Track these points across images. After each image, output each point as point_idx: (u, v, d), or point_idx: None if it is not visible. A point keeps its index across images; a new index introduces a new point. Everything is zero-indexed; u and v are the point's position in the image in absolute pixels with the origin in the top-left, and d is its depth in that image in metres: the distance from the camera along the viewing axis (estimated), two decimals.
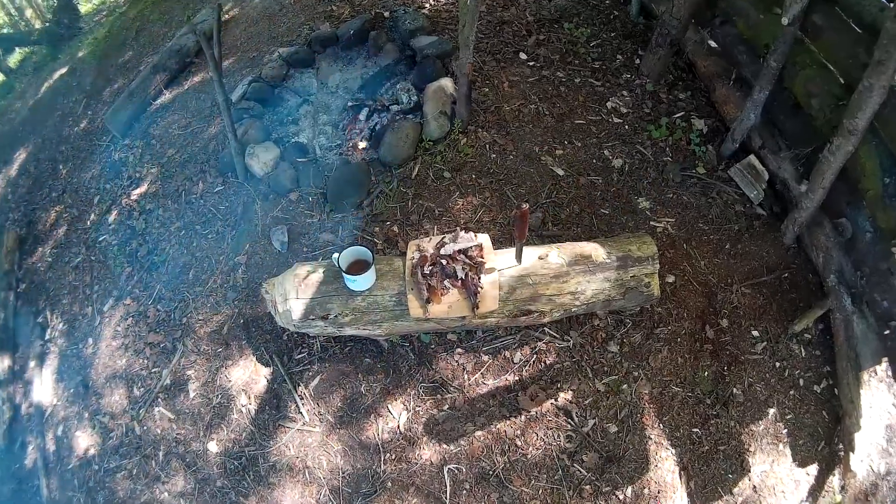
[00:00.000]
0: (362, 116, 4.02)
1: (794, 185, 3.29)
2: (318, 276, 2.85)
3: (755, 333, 3.19)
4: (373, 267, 2.71)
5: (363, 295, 2.78)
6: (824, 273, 3.16)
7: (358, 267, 2.77)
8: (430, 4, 4.76)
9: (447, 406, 3.03)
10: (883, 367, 2.88)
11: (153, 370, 3.50)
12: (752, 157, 3.60)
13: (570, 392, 3.01)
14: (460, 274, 2.65)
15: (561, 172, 3.68)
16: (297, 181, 3.78)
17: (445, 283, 2.67)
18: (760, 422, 2.97)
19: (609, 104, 4.06)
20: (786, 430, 2.95)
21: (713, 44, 4.11)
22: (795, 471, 2.89)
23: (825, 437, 2.94)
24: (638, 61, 4.37)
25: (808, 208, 3.15)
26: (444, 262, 2.67)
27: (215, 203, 3.95)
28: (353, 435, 3.05)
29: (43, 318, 4.12)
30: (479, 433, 2.94)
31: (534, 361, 3.08)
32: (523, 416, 2.96)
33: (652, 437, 2.93)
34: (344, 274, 2.67)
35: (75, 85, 6.12)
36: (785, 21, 3.01)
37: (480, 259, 2.70)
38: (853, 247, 3.09)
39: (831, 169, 2.90)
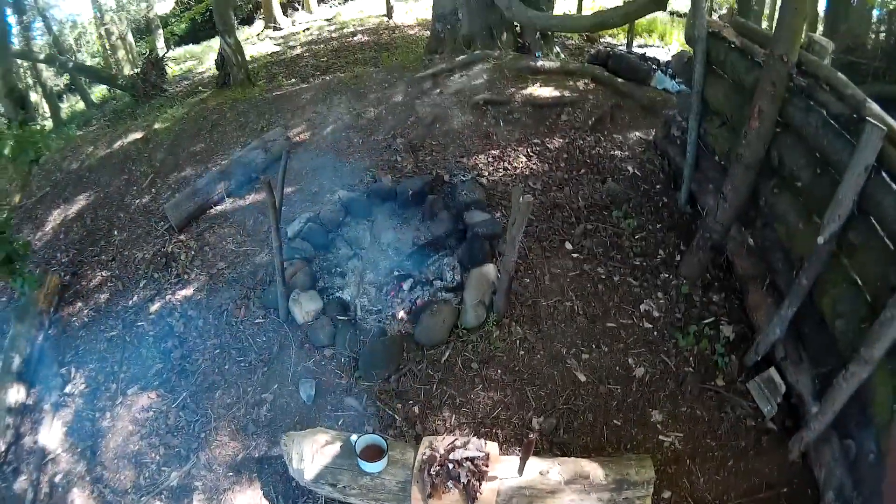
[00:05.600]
0: (406, 286, 4.74)
1: (809, 401, 3.59)
2: (334, 448, 3.49)
3: None
4: (386, 456, 3.35)
5: (372, 476, 3.39)
6: (824, 489, 3.43)
7: (372, 450, 3.40)
8: (488, 174, 5.53)
9: None
10: None
11: (163, 468, 4.09)
12: (772, 371, 3.98)
13: None
14: (463, 479, 3.24)
15: (583, 378, 4.24)
16: (334, 339, 4.48)
17: (448, 483, 3.26)
18: None
19: (643, 307, 4.62)
20: None
21: (752, 242, 4.53)
22: None
23: None
24: (679, 257, 4.97)
25: (817, 429, 3.45)
26: (451, 465, 3.27)
27: (253, 334, 4.67)
28: None
29: (66, 371, 4.82)
30: None
31: None
32: None
33: None
34: (359, 459, 3.29)
35: (146, 156, 7.12)
36: (821, 240, 3.31)
37: (484, 468, 3.30)
38: (855, 466, 3.29)
39: (843, 395, 3.19)
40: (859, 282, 3.39)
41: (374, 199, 5.36)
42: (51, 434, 4.43)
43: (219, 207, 5.82)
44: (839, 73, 3.63)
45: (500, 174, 5.61)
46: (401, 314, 4.59)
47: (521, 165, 5.71)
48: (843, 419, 3.42)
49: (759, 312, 4.28)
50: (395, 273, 4.85)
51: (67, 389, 4.69)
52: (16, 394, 4.59)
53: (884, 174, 3.13)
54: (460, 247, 4.89)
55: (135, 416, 4.39)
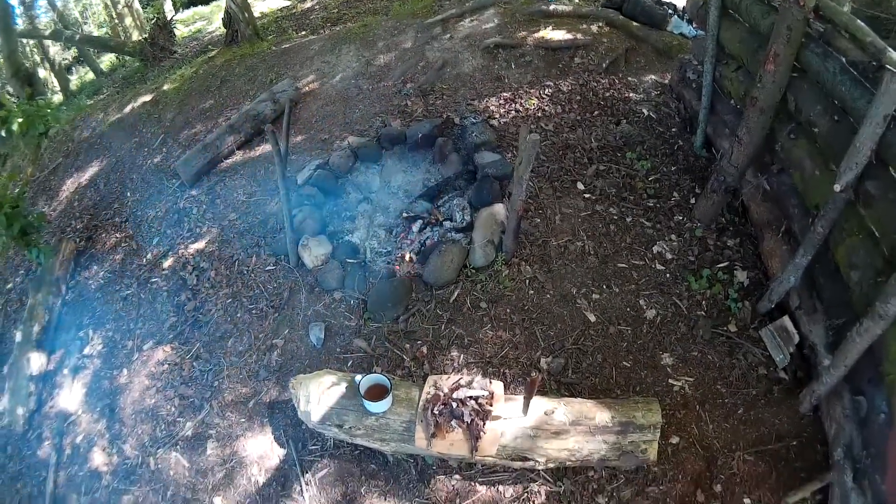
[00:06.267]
0: (415, 228, 4.73)
1: (822, 353, 3.53)
2: (340, 389, 3.51)
3: (747, 501, 3.47)
4: (390, 396, 3.35)
5: (377, 416, 3.41)
6: (833, 445, 3.39)
7: (377, 390, 3.41)
8: (499, 116, 5.44)
9: None
10: None
11: (178, 419, 4.23)
12: (785, 319, 3.93)
13: None
14: (466, 418, 3.24)
15: (593, 318, 4.22)
16: (343, 281, 4.51)
17: (452, 423, 3.26)
18: None
19: (656, 248, 4.57)
20: None
21: (767, 188, 4.43)
22: None
23: None
24: (693, 200, 4.87)
25: (829, 383, 3.39)
26: (454, 404, 3.27)
27: (264, 281, 4.71)
28: None
29: (84, 334, 4.97)
30: None
31: (524, 500, 3.59)
32: None
33: None
34: (363, 399, 3.31)
35: (156, 117, 7.17)
36: (837, 188, 3.21)
37: (489, 408, 3.29)
38: (866, 424, 3.25)
39: (856, 349, 3.13)
40: (876, 234, 3.27)
41: (384, 143, 5.36)
42: (71, 396, 4.58)
43: (229, 161, 5.84)
44: (858, 20, 3.45)
45: (512, 116, 5.52)
46: (410, 255, 4.58)
47: (532, 107, 5.61)
48: (856, 375, 3.35)
49: (773, 259, 4.20)
50: (405, 215, 4.85)
51: (86, 351, 4.82)
52: (37, 361, 4.75)
53: None
54: (470, 188, 4.87)
55: (150, 370, 4.51)
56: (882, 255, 3.20)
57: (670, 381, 3.97)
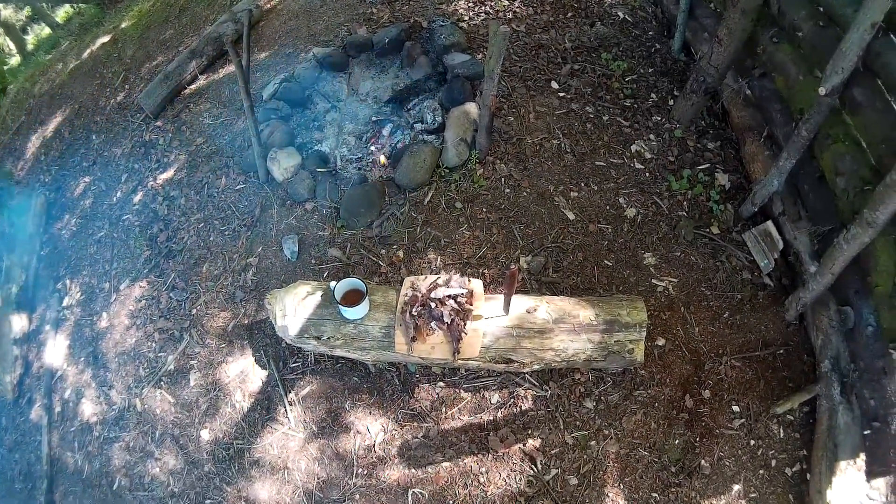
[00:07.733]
0: (386, 132, 4.45)
1: (807, 260, 3.43)
2: (315, 298, 3.27)
3: (735, 409, 3.43)
4: (366, 300, 3.11)
5: (355, 323, 3.19)
6: (820, 356, 3.32)
7: (353, 296, 3.17)
8: (469, 19, 5.09)
9: (421, 434, 3.44)
10: (860, 462, 3.03)
11: (159, 354, 4.02)
12: (769, 224, 3.78)
13: (538, 440, 3.37)
14: (446, 318, 3.02)
15: (572, 216, 4.00)
16: (314, 191, 4.23)
17: (432, 324, 3.04)
18: (722, 496, 3.23)
19: (634, 147, 4.32)
20: None
21: (749, 93, 4.23)
22: None
23: None
24: (672, 102, 4.61)
25: (815, 290, 3.29)
26: (433, 304, 3.04)
27: (235, 200, 4.41)
28: (332, 445, 3.50)
29: (62, 285, 4.69)
30: (446, 464, 3.35)
31: (510, 405, 3.45)
32: (490, 456, 3.35)
33: (610, 495, 3.27)
34: (338, 305, 3.08)
35: (116, 56, 6.67)
36: (822, 91, 3.08)
37: (469, 306, 3.06)
38: (853, 337, 3.21)
39: (843, 257, 3.01)
40: (863, 143, 3.14)
41: (350, 51, 4.98)
42: (56, 352, 4.36)
43: (193, 86, 5.43)
44: None
45: (482, 18, 5.16)
46: (381, 159, 4.30)
47: (503, 9, 5.24)
48: (842, 285, 3.26)
49: (755, 163, 4.02)
50: (374, 118, 4.55)
51: (65, 303, 4.57)
52: (19, 323, 4.51)
53: (892, 36, 2.87)
54: (441, 89, 4.56)
55: (129, 309, 4.26)
56: (868, 164, 3.08)
57: (654, 281, 3.81)
